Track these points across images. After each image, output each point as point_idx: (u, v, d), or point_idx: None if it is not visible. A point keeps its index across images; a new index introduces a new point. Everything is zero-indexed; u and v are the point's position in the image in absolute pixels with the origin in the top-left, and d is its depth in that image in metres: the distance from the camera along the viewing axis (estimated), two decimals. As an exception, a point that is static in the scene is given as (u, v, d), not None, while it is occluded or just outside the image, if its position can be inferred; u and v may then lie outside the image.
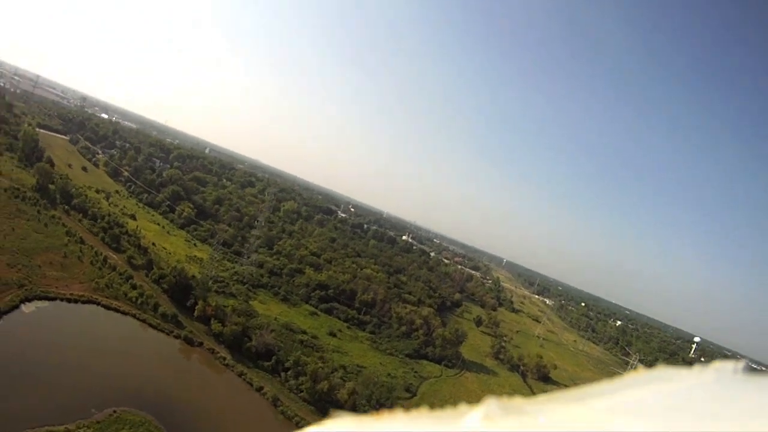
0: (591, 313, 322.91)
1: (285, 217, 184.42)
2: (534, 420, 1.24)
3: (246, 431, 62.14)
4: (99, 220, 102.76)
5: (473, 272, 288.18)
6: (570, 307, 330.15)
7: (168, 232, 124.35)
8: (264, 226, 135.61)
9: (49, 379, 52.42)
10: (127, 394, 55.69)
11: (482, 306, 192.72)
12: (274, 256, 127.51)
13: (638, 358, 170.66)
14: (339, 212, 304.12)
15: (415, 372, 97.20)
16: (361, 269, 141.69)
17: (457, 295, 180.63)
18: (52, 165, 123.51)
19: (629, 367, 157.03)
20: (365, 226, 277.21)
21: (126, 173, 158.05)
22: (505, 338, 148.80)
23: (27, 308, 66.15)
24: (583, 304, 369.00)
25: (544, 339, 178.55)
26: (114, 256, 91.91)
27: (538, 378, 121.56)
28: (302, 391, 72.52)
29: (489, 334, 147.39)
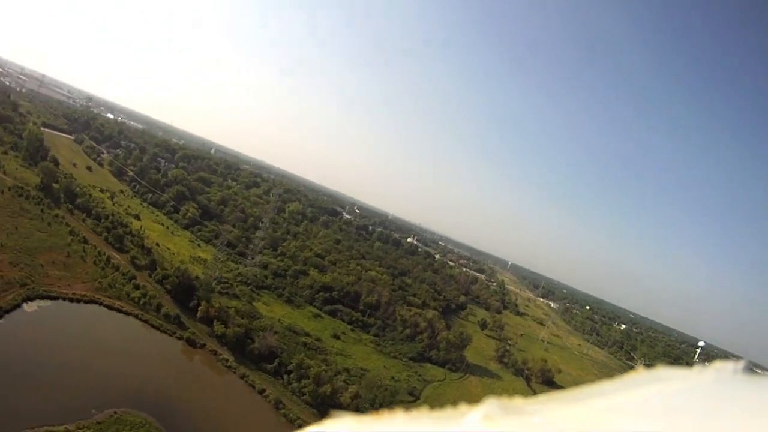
0: (596, 317, 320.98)
1: (290, 218, 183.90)
2: (533, 420, 1.24)
3: (248, 434, 61.67)
4: (103, 220, 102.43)
5: (478, 275, 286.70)
6: (575, 311, 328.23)
7: (172, 233, 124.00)
8: (269, 227, 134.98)
9: (50, 378, 52.00)
10: (128, 395, 55.24)
11: (487, 309, 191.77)
12: (279, 258, 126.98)
13: (642, 362, 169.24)
14: (344, 214, 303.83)
15: (419, 375, 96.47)
16: (366, 271, 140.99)
17: (462, 298, 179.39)
18: (57, 164, 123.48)
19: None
20: (370, 227, 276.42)
21: (131, 173, 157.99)
22: (509, 342, 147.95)
23: (29, 307, 65.80)
24: (587, 307, 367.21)
25: (548, 342, 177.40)
26: (117, 256, 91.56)
27: (543, 382, 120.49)
28: (305, 394, 71.97)
29: (493, 338, 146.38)
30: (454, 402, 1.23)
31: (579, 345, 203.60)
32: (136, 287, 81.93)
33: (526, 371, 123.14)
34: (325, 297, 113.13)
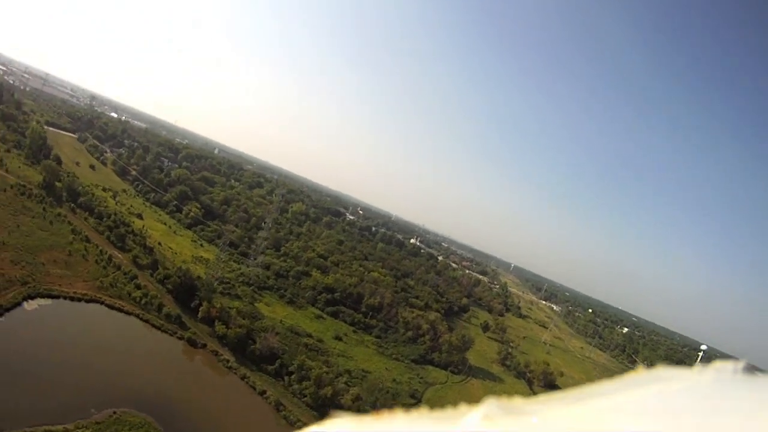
0: (598, 320, 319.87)
1: (293, 219, 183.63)
2: (533, 420, 1.25)
3: (248, 436, 61.26)
4: (105, 219, 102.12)
5: (481, 277, 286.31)
6: (577, 314, 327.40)
7: (174, 232, 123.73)
8: (271, 228, 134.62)
9: (49, 377, 51.69)
10: (128, 395, 54.86)
11: (489, 311, 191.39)
12: (281, 258, 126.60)
13: (644, 366, 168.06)
14: (347, 214, 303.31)
15: (421, 378, 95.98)
16: (369, 272, 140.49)
17: (465, 300, 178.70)
18: (60, 163, 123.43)
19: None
20: (373, 228, 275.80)
21: (134, 172, 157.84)
22: (511, 344, 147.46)
23: (29, 306, 65.50)
24: (590, 310, 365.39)
25: (551, 345, 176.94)
26: (119, 255, 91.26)
27: (545, 385, 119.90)
28: (306, 396, 71.49)
29: (496, 340, 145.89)
30: (455, 405, 1.21)
31: (581, 348, 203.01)
32: (138, 287, 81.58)
33: (528, 374, 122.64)
34: (328, 298, 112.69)
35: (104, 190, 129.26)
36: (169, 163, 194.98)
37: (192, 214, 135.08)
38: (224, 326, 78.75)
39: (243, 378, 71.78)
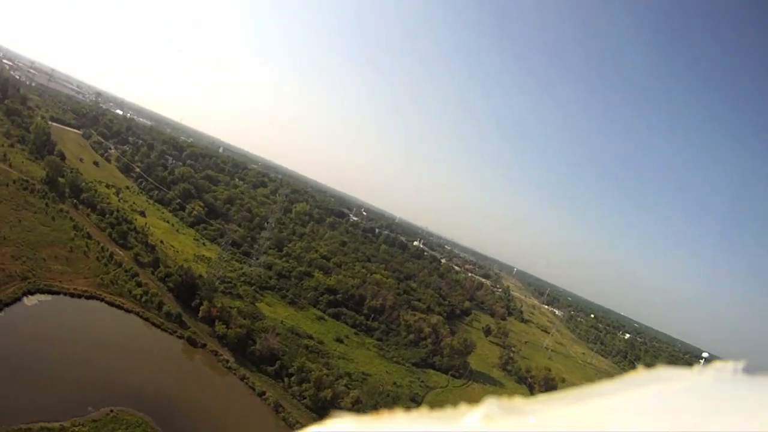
0: (600, 325, 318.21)
1: (296, 219, 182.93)
2: (533, 420, 1.24)
3: (246, 437, 60.80)
4: (107, 216, 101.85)
5: (483, 280, 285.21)
6: (579, 319, 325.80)
7: (177, 230, 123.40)
8: (274, 228, 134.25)
9: (48, 373, 51.46)
10: (126, 394, 54.53)
11: (492, 315, 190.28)
12: (284, 258, 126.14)
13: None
14: (351, 216, 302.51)
15: (422, 381, 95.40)
16: (371, 274, 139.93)
17: (467, 303, 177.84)
18: (63, 158, 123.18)
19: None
20: (377, 230, 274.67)
21: (138, 169, 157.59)
22: (513, 349, 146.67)
23: (29, 301, 65.32)
24: (592, 315, 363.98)
25: (552, 351, 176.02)
26: (120, 252, 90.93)
27: (546, 391, 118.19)
28: (305, 398, 71.02)
29: (497, 344, 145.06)
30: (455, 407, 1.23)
31: (583, 354, 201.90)
32: (138, 284, 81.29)
33: (529, 379, 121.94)
34: (329, 299, 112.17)
35: (107, 186, 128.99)
36: (174, 161, 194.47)
37: (195, 212, 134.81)
38: (225, 326, 78.35)
39: (242, 379, 71.41)
